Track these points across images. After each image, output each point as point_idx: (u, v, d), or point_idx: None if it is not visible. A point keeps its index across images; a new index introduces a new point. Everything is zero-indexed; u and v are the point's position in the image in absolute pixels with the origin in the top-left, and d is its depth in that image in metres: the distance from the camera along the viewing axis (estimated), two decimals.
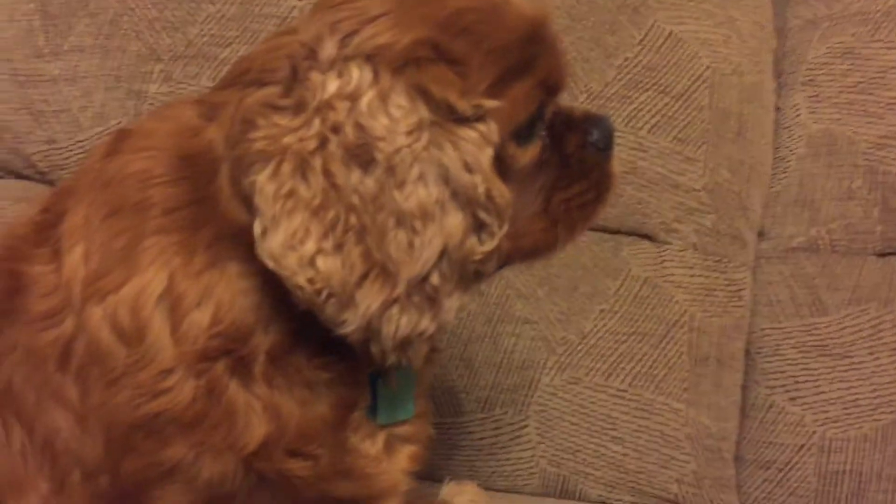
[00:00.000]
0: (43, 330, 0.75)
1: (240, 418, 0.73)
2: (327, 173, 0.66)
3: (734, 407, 1.23)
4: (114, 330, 0.72)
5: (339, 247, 0.66)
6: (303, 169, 0.66)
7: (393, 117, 0.66)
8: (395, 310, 0.68)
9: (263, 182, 0.67)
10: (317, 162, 0.66)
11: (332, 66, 0.67)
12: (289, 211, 0.66)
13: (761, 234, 1.29)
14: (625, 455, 1.18)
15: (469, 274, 0.72)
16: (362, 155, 0.66)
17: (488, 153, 0.70)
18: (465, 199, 0.68)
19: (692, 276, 1.23)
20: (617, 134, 1.20)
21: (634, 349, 1.20)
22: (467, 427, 1.20)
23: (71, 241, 0.75)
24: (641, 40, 1.24)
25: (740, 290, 1.24)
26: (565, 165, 0.79)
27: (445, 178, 0.68)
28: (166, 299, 0.72)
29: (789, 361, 1.23)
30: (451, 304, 0.71)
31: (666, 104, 1.23)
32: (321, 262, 0.66)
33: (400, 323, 0.68)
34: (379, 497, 0.82)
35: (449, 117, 0.68)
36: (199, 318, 0.72)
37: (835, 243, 1.25)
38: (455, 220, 0.68)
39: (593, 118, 0.82)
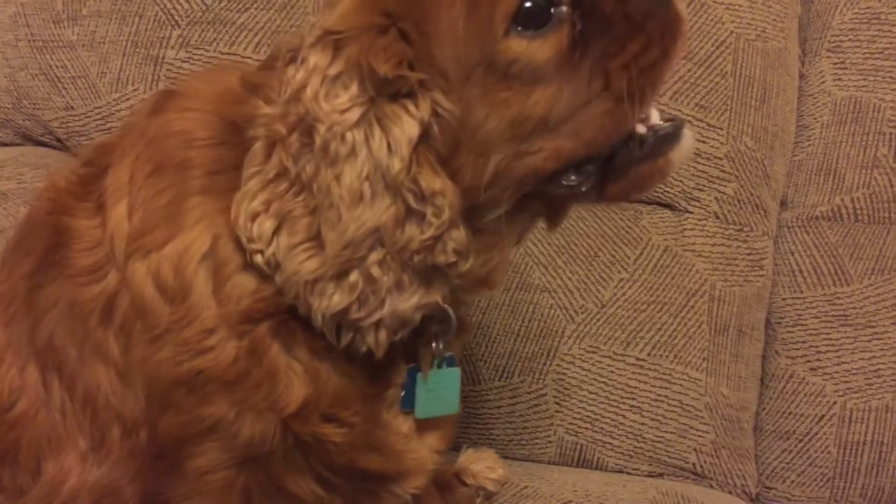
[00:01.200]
0: (86, 285, 0.76)
1: (281, 379, 0.74)
2: (283, 154, 0.70)
3: (754, 377, 1.23)
4: (157, 286, 0.73)
5: (283, 215, 0.69)
6: (269, 151, 0.71)
7: (332, 98, 0.67)
8: (328, 286, 0.69)
9: (247, 160, 0.72)
10: (279, 145, 0.70)
11: (302, 57, 0.69)
12: (249, 177, 0.71)
13: (784, 203, 1.28)
14: (643, 424, 1.17)
15: (420, 266, 0.70)
16: (309, 137, 0.69)
17: (411, 133, 0.67)
18: (391, 182, 0.67)
19: (713, 245, 1.22)
20: None
21: (654, 318, 1.19)
22: (485, 395, 1.20)
23: (115, 196, 0.76)
24: None
25: (762, 259, 1.23)
26: (610, 29, 0.70)
27: (372, 159, 0.67)
28: (210, 260, 0.73)
29: (811, 331, 1.22)
30: (405, 297, 0.70)
31: (688, 70, 1.21)
32: (259, 224, 0.70)
33: (332, 300, 0.69)
34: (406, 474, 0.82)
35: (383, 89, 0.67)
36: (244, 281, 0.73)
37: (858, 212, 1.23)
38: (383, 204, 0.68)
39: None
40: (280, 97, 0.70)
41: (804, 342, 1.22)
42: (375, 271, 0.69)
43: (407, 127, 0.67)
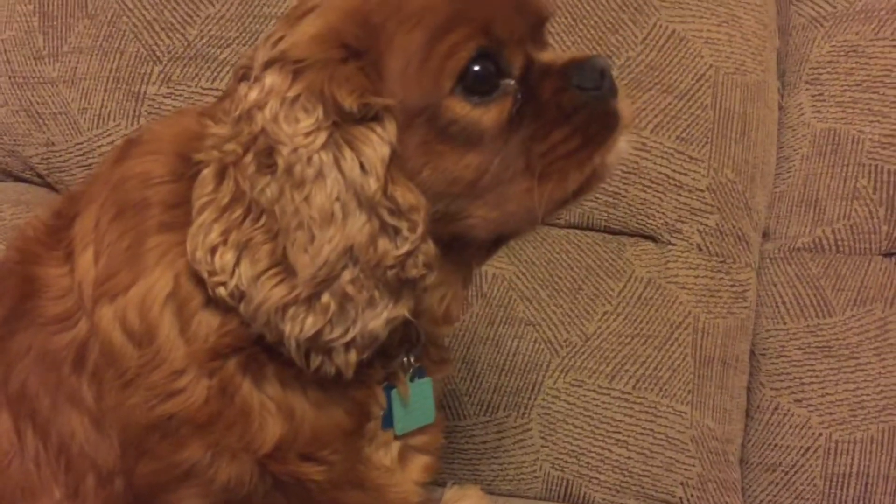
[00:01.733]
0: (57, 333, 0.75)
1: (254, 418, 0.73)
2: (239, 177, 0.69)
3: (739, 409, 1.22)
4: (125, 331, 0.73)
5: (242, 243, 0.69)
6: (221, 174, 0.70)
7: (293, 121, 0.67)
8: (299, 310, 0.68)
9: (196, 185, 0.71)
10: (232, 168, 0.69)
11: (255, 76, 0.69)
12: (200, 208, 0.70)
13: (765, 235, 1.28)
14: (629, 458, 1.17)
15: (392, 281, 0.70)
16: (268, 159, 0.68)
17: (383, 152, 0.68)
18: (365, 201, 0.67)
19: (696, 277, 1.22)
20: None
21: (638, 351, 1.19)
22: (470, 430, 1.19)
23: (82, 243, 0.76)
24: (644, 39, 1.23)
25: (745, 290, 1.23)
26: (542, 114, 0.72)
27: (344, 180, 0.67)
28: (174, 299, 0.72)
29: (794, 363, 1.22)
30: (376, 313, 0.69)
31: (669, 103, 1.22)
32: (219, 256, 0.69)
33: (304, 324, 0.68)
34: None
35: (348, 117, 0.68)
36: (209, 317, 0.72)
37: (840, 243, 1.24)
38: (357, 222, 0.67)
39: (578, 60, 0.74)
40: (230, 115, 0.70)
41: (788, 374, 1.22)
42: (350, 289, 0.68)
43: (378, 147, 0.68)
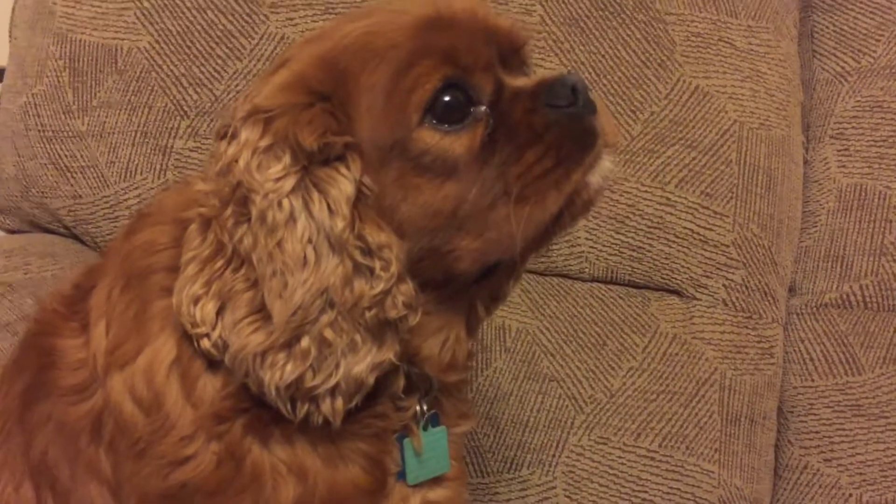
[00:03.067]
0: (74, 404, 0.76)
1: (266, 481, 0.72)
2: (219, 229, 0.70)
3: (767, 468, 1.20)
4: (134, 400, 0.73)
5: (224, 293, 0.69)
6: (205, 228, 0.71)
7: (263, 169, 0.68)
8: (279, 357, 0.67)
9: (184, 243, 0.73)
10: (213, 221, 0.70)
11: (232, 132, 0.70)
12: (185, 263, 0.71)
13: (792, 290, 1.27)
14: None
15: (373, 323, 0.69)
16: (245, 208, 0.69)
17: (347, 191, 0.68)
18: (335, 242, 0.67)
19: (722, 332, 1.21)
20: (642, 187, 1.22)
21: (664, 408, 1.17)
22: (493, 488, 1.17)
23: (96, 315, 0.77)
24: (667, 94, 1.23)
25: (772, 347, 1.22)
26: (515, 136, 0.71)
27: (314, 222, 0.67)
28: (178, 364, 0.72)
29: (823, 421, 1.20)
30: (359, 358, 0.69)
31: (693, 158, 1.22)
32: (201, 307, 0.69)
33: (284, 370, 0.67)
34: None
35: (315, 160, 0.68)
36: (212, 380, 0.72)
37: (868, 300, 1.23)
38: (330, 265, 0.67)
39: (547, 79, 0.73)
40: (213, 172, 0.71)
41: (817, 432, 1.20)
42: (328, 333, 0.67)
43: (343, 187, 0.68)
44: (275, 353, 0.67)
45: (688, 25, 1.24)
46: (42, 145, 1.28)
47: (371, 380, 0.70)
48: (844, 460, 1.17)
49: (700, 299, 1.22)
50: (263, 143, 0.68)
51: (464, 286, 0.76)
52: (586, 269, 1.25)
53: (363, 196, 0.69)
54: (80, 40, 1.27)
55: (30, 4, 1.32)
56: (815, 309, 1.25)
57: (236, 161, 0.68)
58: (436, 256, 0.72)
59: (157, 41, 1.25)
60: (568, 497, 1.16)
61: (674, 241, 1.22)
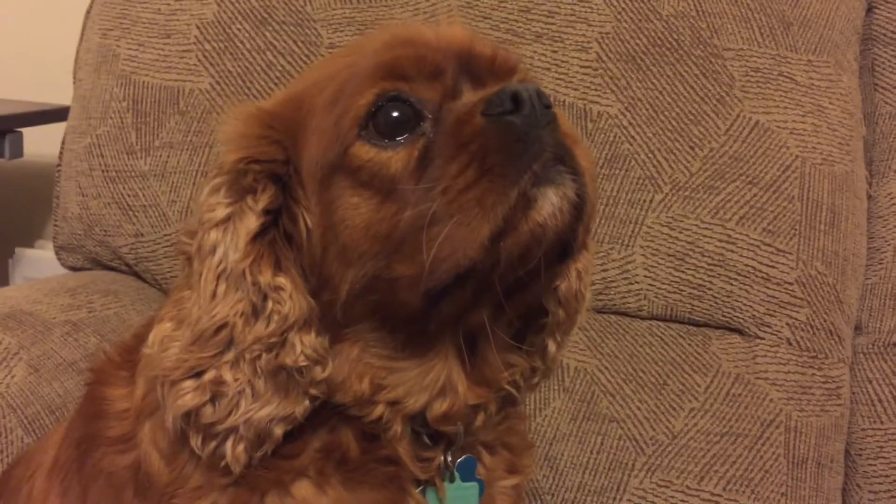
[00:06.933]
0: (119, 454, 0.76)
1: None
2: (186, 265, 0.72)
3: None
4: (156, 449, 0.73)
5: (179, 319, 0.70)
6: (189, 281, 0.72)
7: (206, 198, 0.70)
8: (185, 384, 0.68)
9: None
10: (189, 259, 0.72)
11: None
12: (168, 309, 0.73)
13: (858, 329, 1.24)
14: None
15: (270, 369, 0.67)
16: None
17: (249, 226, 0.68)
18: (233, 277, 0.67)
19: (787, 372, 1.18)
20: (702, 224, 1.20)
21: (728, 450, 1.15)
22: None
23: (142, 363, 0.77)
24: (727, 130, 1.22)
25: (838, 387, 1.19)
26: (444, 150, 0.65)
27: (225, 255, 0.68)
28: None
29: (893, 465, 1.16)
30: (259, 406, 0.67)
31: (754, 195, 1.20)
32: (155, 329, 0.71)
33: (185, 398, 0.67)
34: None
35: (245, 190, 0.69)
36: None
37: None
38: (232, 299, 0.67)
39: (496, 88, 0.66)
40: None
41: (887, 476, 1.16)
42: (226, 372, 0.67)
43: (246, 221, 0.68)
44: (182, 380, 0.68)
45: (746, 61, 1.23)
46: (105, 185, 1.31)
47: (278, 432, 0.68)
48: None
49: (763, 338, 1.20)
50: (219, 179, 0.70)
51: (438, 323, 0.69)
52: (645, 307, 1.23)
53: (268, 231, 0.69)
54: (143, 82, 1.30)
55: (94, 48, 1.35)
56: (882, 348, 1.22)
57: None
58: (382, 286, 0.67)
59: (217, 82, 1.28)
60: None
61: (735, 279, 1.20)
